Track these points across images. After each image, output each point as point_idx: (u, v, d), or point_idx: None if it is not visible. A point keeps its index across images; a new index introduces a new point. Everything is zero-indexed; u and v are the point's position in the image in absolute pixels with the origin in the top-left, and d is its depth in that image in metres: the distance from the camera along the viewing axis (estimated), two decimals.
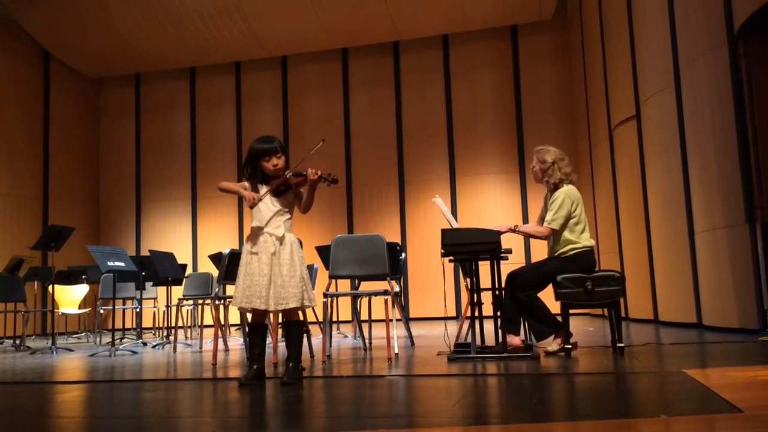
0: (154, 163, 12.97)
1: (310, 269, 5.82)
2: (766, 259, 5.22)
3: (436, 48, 12.01)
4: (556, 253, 4.48)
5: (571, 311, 4.30)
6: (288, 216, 3.63)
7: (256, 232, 3.57)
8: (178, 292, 8.28)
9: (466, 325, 5.10)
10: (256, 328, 3.61)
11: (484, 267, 4.33)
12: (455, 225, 4.58)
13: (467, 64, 11.84)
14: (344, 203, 12.03)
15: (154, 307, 9.38)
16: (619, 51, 7.92)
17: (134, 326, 9.26)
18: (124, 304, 8.87)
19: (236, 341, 7.26)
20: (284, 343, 3.64)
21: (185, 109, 12.98)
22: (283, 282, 3.48)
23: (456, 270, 10.62)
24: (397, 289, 5.15)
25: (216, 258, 7.60)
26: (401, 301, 7.03)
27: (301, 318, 3.82)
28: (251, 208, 3.59)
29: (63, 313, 9.68)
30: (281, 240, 3.53)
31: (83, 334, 10.14)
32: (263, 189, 3.59)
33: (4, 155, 11.06)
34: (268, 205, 3.58)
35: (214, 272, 7.29)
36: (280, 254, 3.51)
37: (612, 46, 8.29)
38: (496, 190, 11.46)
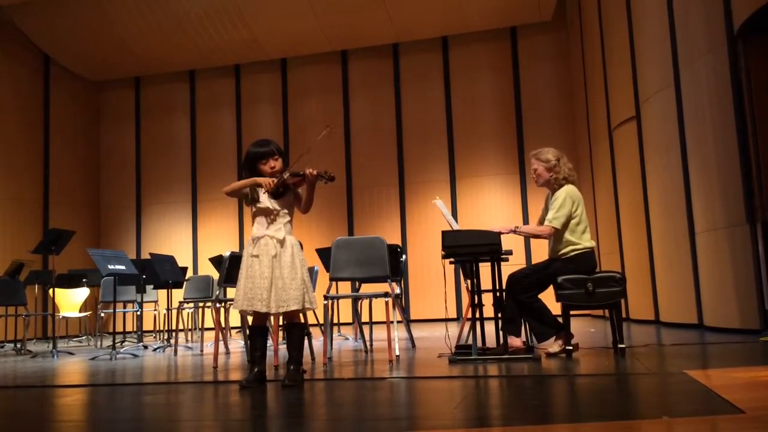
0: (154, 166, 12.97)
1: (311, 271, 5.80)
2: (766, 259, 5.22)
3: (435, 50, 12.02)
4: (557, 254, 4.48)
5: (572, 312, 4.30)
6: (288, 218, 3.63)
7: (257, 235, 3.57)
8: (178, 295, 8.27)
9: (467, 326, 5.10)
10: (257, 330, 3.60)
11: (485, 268, 4.33)
12: (455, 226, 4.58)
13: (467, 66, 11.84)
14: (344, 205, 12.03)
15: (155, 310, 9.38)
16: (619, 51, 7.92)
17: (135, 329, 9.25)
18: (124, 307, 8.87)
19: (237, 344, 7.26)
20: (285, 346, 3.63)
21: (185, 112, 12.99)
22: (284, 284, 3.48)
23: (456, 271, 10.62)
24: (397, 291, 5.14)
25: (216, 261, 7.59)
26: (402, 303, 7.02)
27: (302, 320, 3.82)
28: (251, 203, 3.57)
29: (64, 317, 9.67)
30: (282, 242, 3.53)
31: (84, 337, 10.14)
32: (262, 192, 3.59)
33: (4, 159, 11.07)
34: (268, 208, 3.58)
35: (215, 275, 7.28)
36: (281, 257, 3.51)
37: (611, 47, 8.30)
38: (496, 192, 11.45)
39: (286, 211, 3.62)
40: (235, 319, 9.36)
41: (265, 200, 3.58)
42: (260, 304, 3.46)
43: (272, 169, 3.58)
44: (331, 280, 5.06)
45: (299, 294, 3.49)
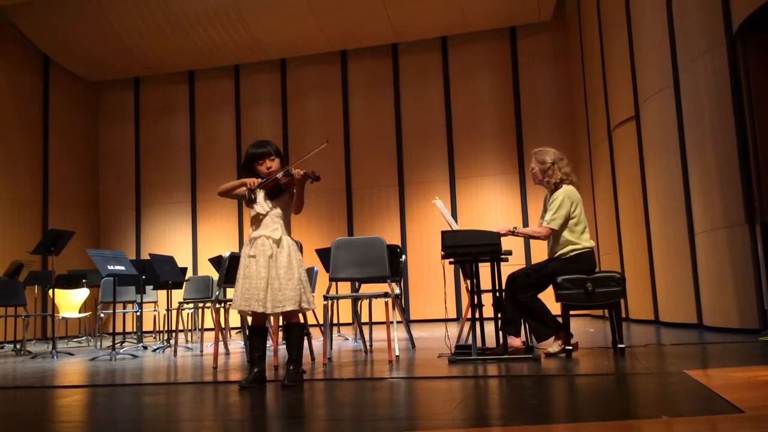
0: (153, 166, 12.97)
1: (311, 272, 5.81)
2: (766, 259, 5.22)
3: (435, 50, 12.02)
4: (556, 254, 4.48)
5: (571, 312, 4.30)
6: (284, 218, 3.63)
7: (254, 235, 3.58)
8: (178, 295, 8.27)
9: (466, 326, 5.10)
10: (256, 331, 3.61)
11: (485, 268, 4.33)
12: (455, 227, 4.58)
13: (466, 66, 11.84)
14: (344, 206, 12.03)
15: (155, 310, 9.38)
16: (618, 51, 7.92)
17: (135, 330, 9.25)
18: (124, 307, 8.87)
19: (237, 344, 7.26)
20: (285, 346, 3.64)
21: (184, 113, 12.99)
22: (281, 285, 3.48)
23: (456, 272, 10.62)
24: (397, 291, 5.15)
25: (216, 261, 7.59)
26: (402, 303, 7.03)
27: (302, 321, 3.82)
28: (249, 204, 3.60)
29: (63, 318, 9.67)
30: (278, 243, 3.54)
31: (84, 338, 10.14)
32: (259, 193, 3.60)
33: (4, 159, 11.06)
34: (264, 208, 3.59)
35: (215, 275, 7.29)
36: (278, 257, 3.51)
37: (611, 47, 8.30)
38: (495, 192, 11.46)
39: (281, 211, 3.62)
40: (234, 320, 9.36)
41: (262, 201, 3.60)
42: (257, 305, 3.47)
43: (268, 170, 3.60)
44: (330, 280, 5.06)
45: (295, 294, 3.49)
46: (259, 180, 3.56)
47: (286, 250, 3.54)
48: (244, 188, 3.57)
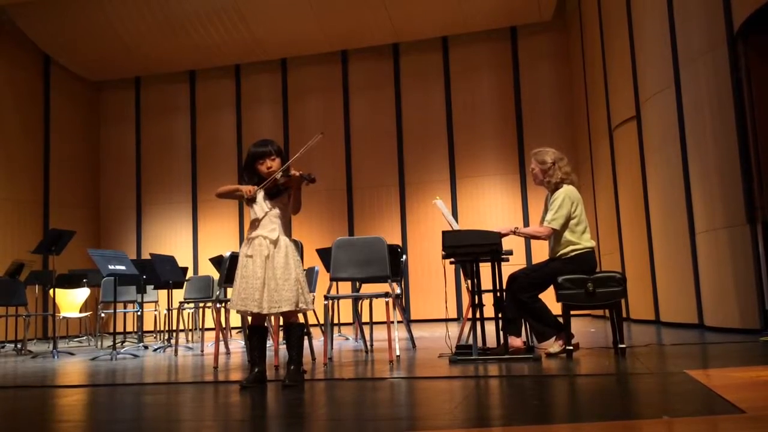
0: (154, 166, 12.97)
1: (311, 272, 5.81)
2: (766, 259, 5.22)
3: (435, 50, 12.02)
4: (557, 254, 4.48)
5: (572, 312, 4.30)
6: (283, 218, 3.63)
7: (252, 235, 3.58)
8: (179, 295, 8.27)
9: (467, 326, 5.10)
10: (255, 330, 3.61)
11: (485, 268, 4.33)
12: (456, 227, 4.58)
13: (467, 66, 11.84)
14: (345, 205, 12.03)
15: (155, 310, 9.38)
16: (619, 51, 7.92)
17: (135, 330, 9.25)
18: (125, 307, 8.87)
19: (237, 344, 7.26)
20: (285, 346, 3.64)
21: (185, 113, 12.99)
22: (277, 285, 3.48)
23: (457, 272, 10.62)
24: (398, 291, 5.14)
25: (217, 261, 7.59)
26: (402, 303, 7.02)
27: (302, 320, 3.82)
28: (248, 203, 3.61)
29: (64, 317, 9.67)
30: (275, 243, 3.54)
31: (84, 337, 10.14)
32: (259, 193, 3.60)
33: (4, 159, 11.07)
34: (263, 208, 3.59)
35: (215, 275, 7.28)
36: (274, 257, 3.51)
37: (611, 47, 8.30)
38: (496, 192, 11.46)
39: (279, 212, 3.62)
40: (235, 320, 9.35)
41: (261, 201, 3.60)
42: (252, 305, 3.47)
43: (269, 169, 3.60)
44: (331, 280, 5.05)
45: (292, 295, 3.49)
46: (255, 187, 3.57)
47: (284, 251, 3.54)
48: (241, 193, 3.58)
